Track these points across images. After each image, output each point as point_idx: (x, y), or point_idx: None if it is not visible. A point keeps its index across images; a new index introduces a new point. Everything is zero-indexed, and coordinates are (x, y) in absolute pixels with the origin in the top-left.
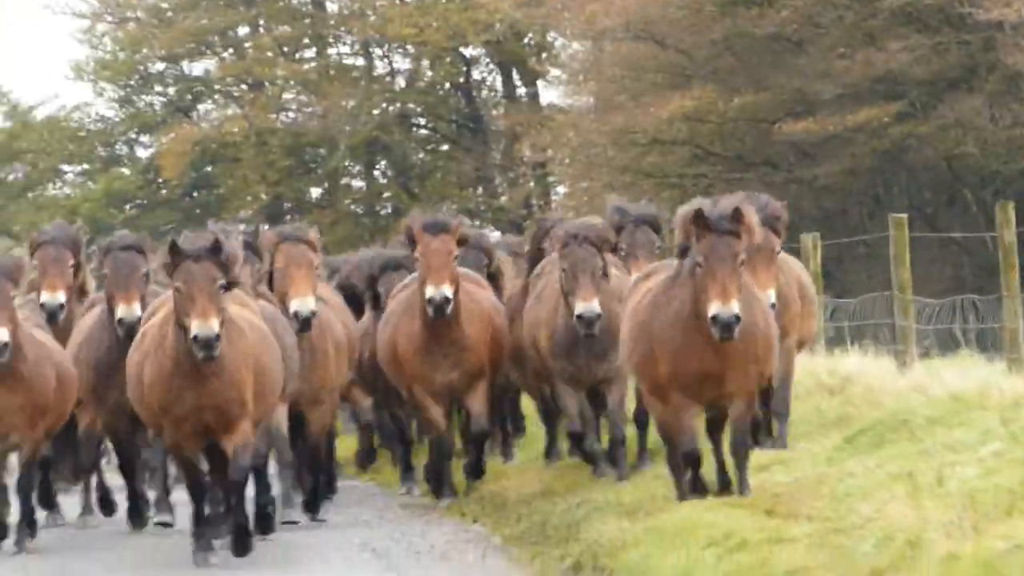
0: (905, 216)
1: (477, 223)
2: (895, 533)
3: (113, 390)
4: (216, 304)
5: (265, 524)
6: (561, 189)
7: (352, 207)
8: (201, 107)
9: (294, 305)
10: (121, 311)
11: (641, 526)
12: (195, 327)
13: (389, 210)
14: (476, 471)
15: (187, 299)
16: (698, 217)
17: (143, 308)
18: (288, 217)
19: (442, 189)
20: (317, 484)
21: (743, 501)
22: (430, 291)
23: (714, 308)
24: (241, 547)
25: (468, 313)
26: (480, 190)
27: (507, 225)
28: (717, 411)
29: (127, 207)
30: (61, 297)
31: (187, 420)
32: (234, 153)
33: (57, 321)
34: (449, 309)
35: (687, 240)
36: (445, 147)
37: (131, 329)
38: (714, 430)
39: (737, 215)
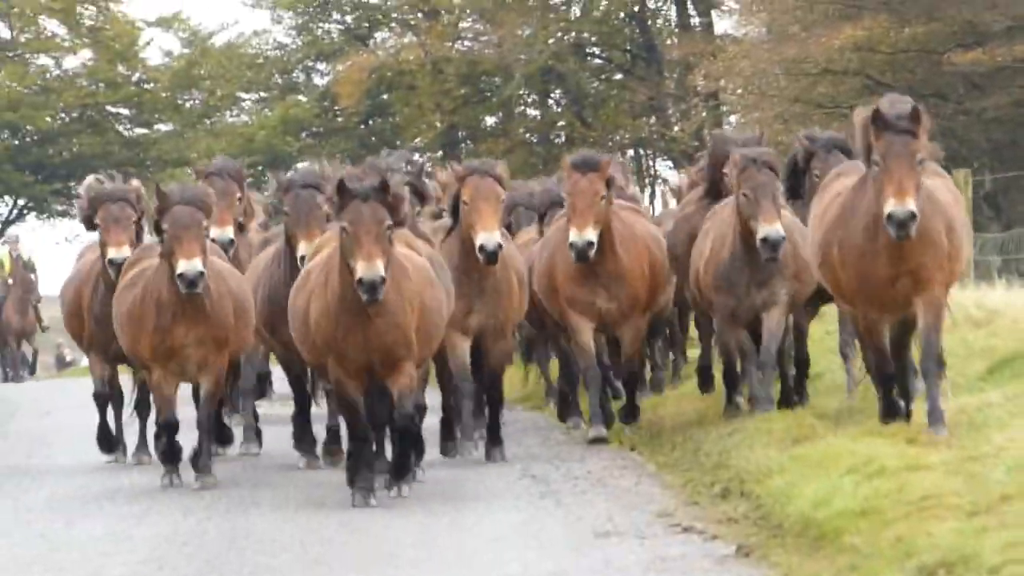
0: (967, 171)
1: (649, 152)
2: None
3: (288, 326)
4: (383, 246)
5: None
6: (734, 119)
7: (526, 136)
8: (378, 35)
9: (481, 239)
10: (302, 248)
11: (787, 454)
12: (361, 270)
13: (563, 139)
14: (631, 414)
15: (354, 240)
16: (876, 116)
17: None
18: (463, 146)
19: (615, 118)
20: (496, 418)
21: (887, 430)
22: (572, 236)
23: (889, 206)
24: (403, 475)
25: (624, 244)
26: (653, 120)
27: (679, 155)
28: (904, 328)
29: (303, 135)
30: (230, 232)
31: (351, 359)
32: (410, 81)
33: (227, 256)
34: (591, 253)
35: (865, 141)
36: (619, 76)
37: None
38: (898, 351)
39: (915, 114)
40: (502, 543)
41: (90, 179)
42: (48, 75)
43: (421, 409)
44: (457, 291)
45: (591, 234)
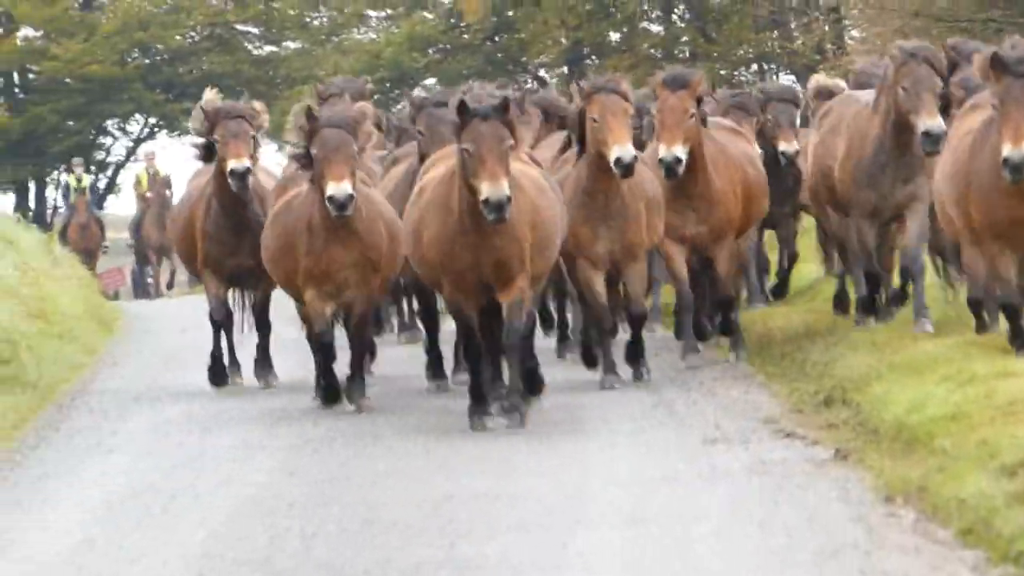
0: None
1: (773, 66)
2: None
3: None
4: (505, 165)
5: (531, 385)
6: (856, 33)
7: (650, 51)
8: None
9: (616, 152)
10: None
11: (886, 362)
12: (487, 190)
13: (687, 54)
14: (728, 329)
15: (477, 160)
16: (995, 60)
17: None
18: (588, 62)
19: (738, 33)
20: (639, 342)
21: (981, 339)
22: (662, 151)
23: (1006, 150)
24: (530, 390)
25: (715, 164)
26: (775, 34)
27: (802, 69)
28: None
29: (430, 51)
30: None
31: (467, 276)
32: None
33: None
34: (680, 169)
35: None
36: None
37: None
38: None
39: None
40: (615, 449)
41: (208, 94)
42: None
43: (533, 319)
44: (583, 215)
45: (680, 150)
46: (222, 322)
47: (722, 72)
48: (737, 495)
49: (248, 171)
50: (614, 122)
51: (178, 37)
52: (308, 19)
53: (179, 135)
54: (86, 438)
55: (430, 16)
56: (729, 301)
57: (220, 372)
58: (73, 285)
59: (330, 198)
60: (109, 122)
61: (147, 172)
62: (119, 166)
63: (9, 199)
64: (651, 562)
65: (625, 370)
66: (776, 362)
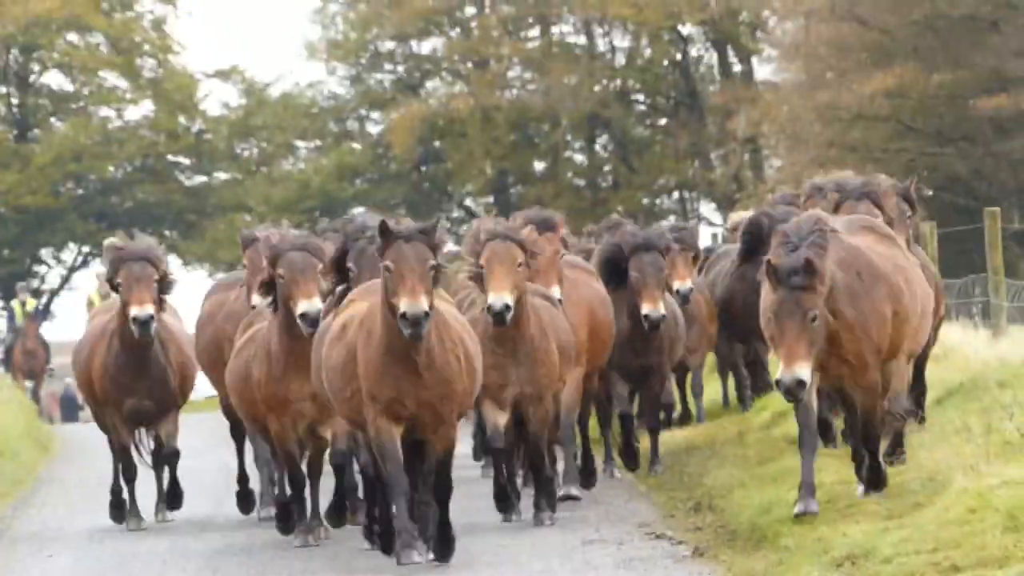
0: (997, 209)
1: (694, 194)
2: (936, 474)
3: None
4: (426, 284)
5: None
6: (776, 162)
7: (574, 180)
8: (429, 84)
9: (489, 299)
10: (302, 306)
11: (751, 473)
12: (404, 304)
13: (609, 183)
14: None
15: (397, 278)
16: (769, 268)
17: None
18: (513, 191)
19: (659, 162)
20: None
21: (836, 452)
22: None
23: (779, 372)
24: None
25: (568, 301)
26: (696, 163)
27: (721, 197)
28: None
29: (358, 181)
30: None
31: (395, 412)
32: (461, 129)
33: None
34: (509, 317)
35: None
36: (662, 122)
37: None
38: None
39: (809, 267)
40: (505, 550)
41: (109, 241)
42: (110, 126)
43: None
44: (490, 359)
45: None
46: (125, 460)
47: (644, 200)
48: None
49: (151, 319)
50: (499, 269)
51: (111, 168)
52: (238, 150)
53: None
54: (28, 545)
55: (358, 147)
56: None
57: (120, 505)
58: (13, 408)
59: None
60: (43, 251)
61: (99, 293)
62: (53, 293)
63: None
64: None
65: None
66: (659, 474)
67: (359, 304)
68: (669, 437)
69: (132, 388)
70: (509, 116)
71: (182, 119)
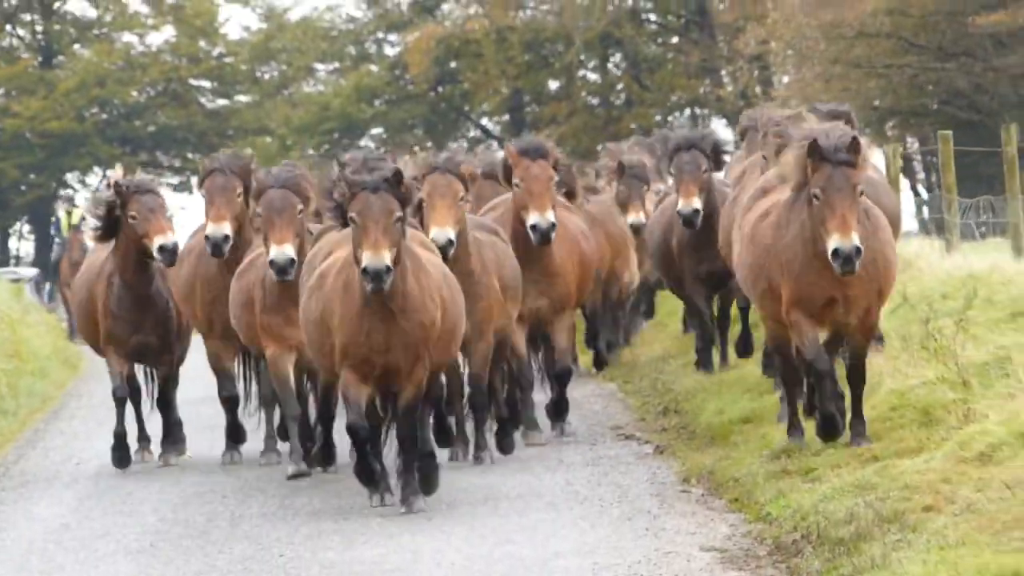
0: (950, 132)
1: (705, 111)
2: (871, 378)
3: None
4: (391, 237)
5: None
6: (786, 78)
7: (587, 98)
8: (444, 6)
9: (532, 219)
10: (272, 252)
11: (714, 379)
12: (365, 259)
13: (622, 100)
14: (559, 410)
15: (361, 231)
16: (812, 149)
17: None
18: (528, 109)
19: (671, 80)
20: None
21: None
22: (535, 218)
23: (833, 242)
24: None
25: (555, 238)
26: (707, 81)
27: (731, 113)
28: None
29: (376, 102)
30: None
31: (369, 363)
32: (476, 49)
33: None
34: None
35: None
36: (674, 40)
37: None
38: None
39: (854, 145)
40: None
41: (114, 172)
42: (133, 52)
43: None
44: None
45: (552, 215)
46: (125, 399)
47: (656, 118)
48: (571, 479)
49: (176, 246)
50: (440, 203)
51: (134, 93)
52: (259, 73)
53: None
54: (59, 453)
55: (375, 69)
56: (569, 373)
57: (124, 453)
58: (42, 330)
59: (364, 270)
60: (69, 175)
61: (67, 214)
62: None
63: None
64: (497, 524)
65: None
66: (636, 381)
67: (339, 252)
68: (650, 348)
69: (137, 325)
70: (524, 36)
71: (203, 44)
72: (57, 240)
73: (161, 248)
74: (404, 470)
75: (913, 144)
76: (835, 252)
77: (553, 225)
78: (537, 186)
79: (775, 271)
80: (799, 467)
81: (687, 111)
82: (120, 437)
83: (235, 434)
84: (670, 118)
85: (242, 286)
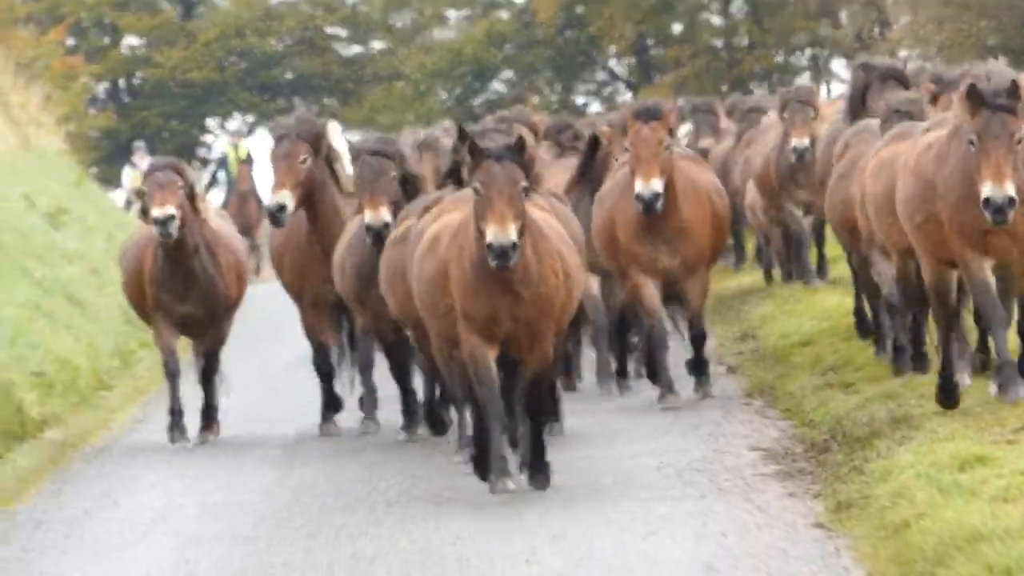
0: None
1: (825, 52)
2: None
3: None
4: (516, 208)
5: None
6: (904, 19)
7: (710, 41)
8: None
9: (638, 187)
10: (368, 217)
11: (782, 309)
12: (490, 234)
13: (745, 42)
14: (699, 368)
15: (486, 202)
16: (971, 92)
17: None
18: (652, 52)
19: (791, 21)
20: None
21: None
22: (639, 186)
23: (986, 190)
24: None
25: (685, 195)
26: (827, 22)
27: (851, 53)
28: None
29: (506, 47)
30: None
31: (491, 331)
32: None
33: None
34: (660, 204)
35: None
36: None
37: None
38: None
39: (1014, 89)
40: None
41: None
42: (270, 2)
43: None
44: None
45: (658, 184)
46: (177, 372)
47: (778, 59)
48: (651, 396)
49: (172, 217)
50: (645, 152)
51: (272, 42)
52: (392, 20)
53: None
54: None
55: (505, 15)
56: (704, 336)
57: (181, 428)
58: None
59: (489, 245)
60: (210, 121)
61: (233, 149)
62: (219, 163)
63: (118, 195)
64: (580, 431)
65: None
66: (723, 312)
67: (452, 215)
68: (736, 282)
69: (182, 296)
70: None
71: None
72: (223, 175)
73: (155, 220)
74: (534, 445)
75: None
76: (986, 201)
77: (657, 195)
78: (645, 150)
79: (937, 203)
80: (841, 381)
81: (807, 52)
82: (177, 412)
83: (332, 403)
84: (790, 59)
85: (395, 256)
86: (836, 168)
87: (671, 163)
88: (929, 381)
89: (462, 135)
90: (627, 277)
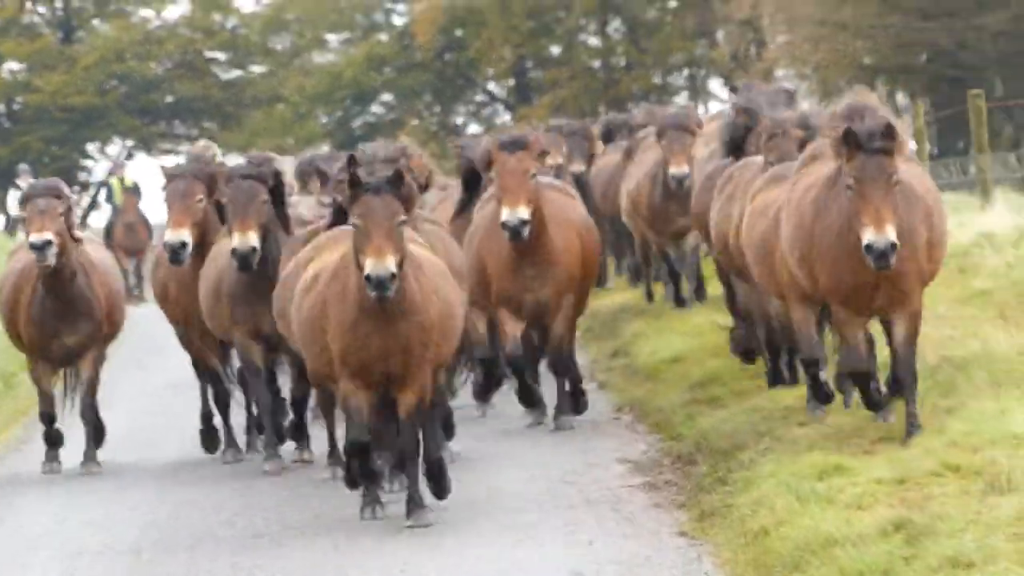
0: (981, 91)
1: (703, 72)
2: None
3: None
4: (395, 242)
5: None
6: (780, 38)
7: (589, 62)
8: None
9: (504, 215)
10: (235, 240)
11: (654, 327)
12: (369, 266)
13: (623, 63)
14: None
15: (364, 235)
16: (847, 136)
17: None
18: (531, 75)
19: (668, 42)
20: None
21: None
22: (505, 214)
23: (867, 237)
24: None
25: (553, 225)
26: (703, 42)
27: (727, 74)
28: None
29: (385, 70)
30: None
31: (367, 368)
32: (480, 18)
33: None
34: (526, 232)
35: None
36: (672, 3)
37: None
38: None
39: (888, 131)
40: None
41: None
42: (150, 26)
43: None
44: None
45: (524, 212)
46: (53, 419)
47: (655, 80)
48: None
49: (49, 243)
50: (511, 181)
51: (152, 66)
52: (272, 44)
53: (154, 155)
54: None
55: (385, 38)
56: (568, 367)
57: (57, 462)
58: None
59: (367, 277)
60: (90, 146)
61: (118, 180)
62: (100, 185)
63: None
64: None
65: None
66: (595, 329)
67: (330, 253)
68: (608, 297)
69: (58, 329)
70: (526, 4)
71: (217, 16)
72: (109, 205)
73: (32, 246)
74: (410, 483)
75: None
76: (868, 247)
77: (524, 221)
78: (511, 180)
79: (811, 252)
80: (708, 396)
81: (684, 72)
82: (51, 436)
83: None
84: (668, 79)
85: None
86: (720, 197)
87: (537, 193)
88: (793, 395)
89: (351, 162)
90: (497, 319)
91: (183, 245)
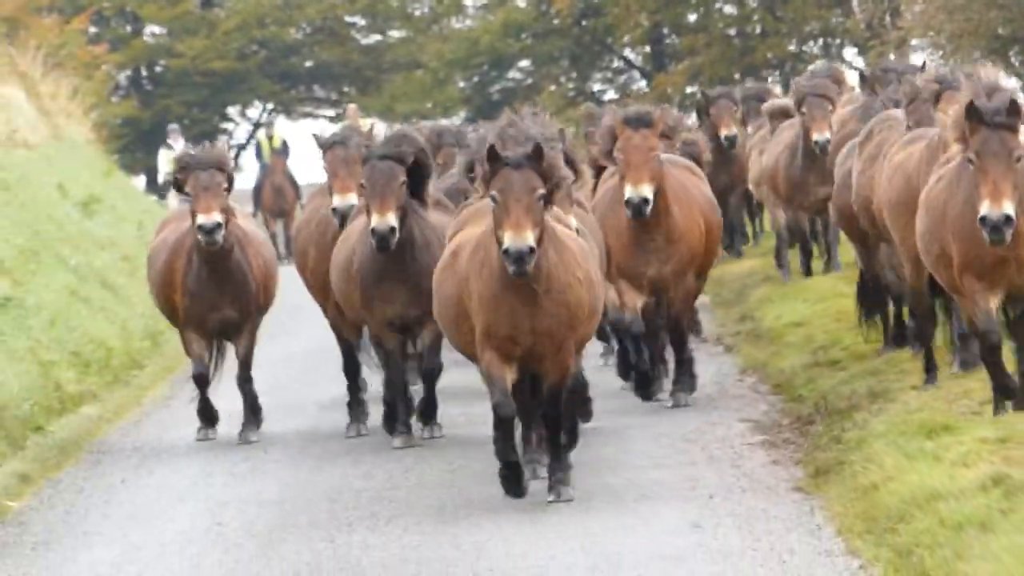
0: None
1: (837, 41)
2: None
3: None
4: (534, 216)
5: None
6: (916, 8)
7: (724, 29)
8: None
9: (627, 192)
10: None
11: (779, 292)
12: (507, 239)
13: (758, 30)
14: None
15: (503, 209)
16: (970, 111)
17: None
18: (667, 41)
19: (804, 10)
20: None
21: (844, 275)
22: (628, 191)
23: (984, 209)
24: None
25: (676, 203)
26: (838, 11)
27: (861, 42)
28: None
29: (522, 36)
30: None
31: (512, 344)
32: None
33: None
34: (648, 209)
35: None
36: None
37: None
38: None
39: (1014, 107)
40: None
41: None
42: None
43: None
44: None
45: (647, 190)
46: (207, 382)
47: (790, 48)
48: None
49: (219, 226)
50: (635, 158)
51: (292, 31)
52: (411, 9)
53: (295, 119)
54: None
55: (522, 4)
56: (683, 341)
57: (210, 413)
58: None
59: (506, 251)
60: (231, 109)
61: (267, 139)
62: (241, 148)
63: (140, 181)
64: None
65: None
66: (723, 295)
67: (470, 228)
68: (737, 265)
69: (216, 302)
70: None
71: None
72: (258, 162)
73: (201, 228)
74: (552, 457)
75: None
76: (983, 219)
77: (646, 200)
78: (635, 157)
79: (947, 236)
80: (829, 359)
81: (819, 40)
82: (205, 403)
83: (358, 404)
84: (803, 47)
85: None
86: (861, 156)
87: (661, 171)
88: (908, 358)
89: (490, 152)
90: (615, 290)
91: (392, 231)
